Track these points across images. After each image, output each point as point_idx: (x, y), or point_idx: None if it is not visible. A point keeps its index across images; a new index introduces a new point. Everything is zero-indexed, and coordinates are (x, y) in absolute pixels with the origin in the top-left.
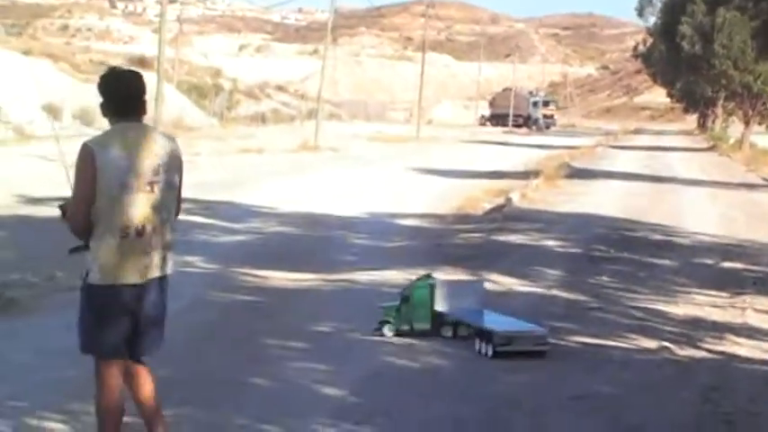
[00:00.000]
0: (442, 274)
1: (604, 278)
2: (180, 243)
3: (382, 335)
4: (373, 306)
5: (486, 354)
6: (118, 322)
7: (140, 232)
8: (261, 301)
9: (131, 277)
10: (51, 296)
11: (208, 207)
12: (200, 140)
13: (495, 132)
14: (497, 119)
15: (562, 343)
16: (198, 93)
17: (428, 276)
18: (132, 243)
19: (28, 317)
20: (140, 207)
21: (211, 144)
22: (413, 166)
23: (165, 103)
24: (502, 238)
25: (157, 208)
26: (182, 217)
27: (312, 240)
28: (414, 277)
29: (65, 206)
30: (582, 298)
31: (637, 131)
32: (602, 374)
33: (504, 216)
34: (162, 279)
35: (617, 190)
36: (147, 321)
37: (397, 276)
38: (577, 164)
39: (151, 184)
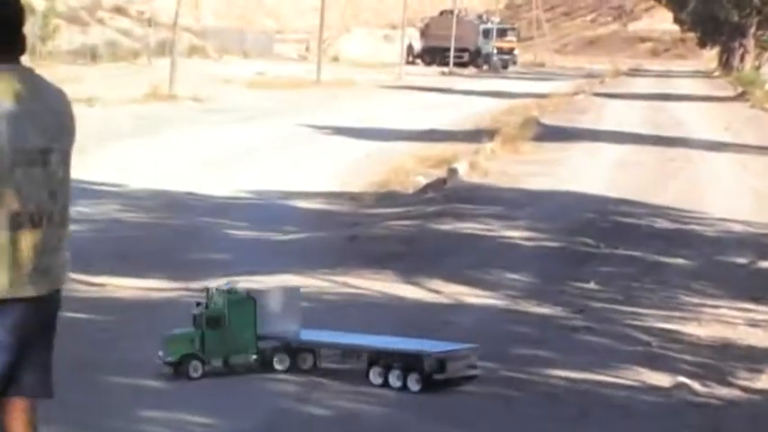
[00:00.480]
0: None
1: (592, 285)
2: None
3: (188, 377)
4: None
5: (407, 387)
6: (9, 352)
7: (36, 223)
8: (94, 319)
9: (25, 288)
10: None
11: None
12: None
13: (430, 74)
14: (432, 54)
15: (536, 379)
16: None
17: (231, 291)
18: (25, 238)
19: None
20: (34, 187)
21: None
22: (313, 124)
23: None
24: (444, 227)
25: (54, 189)
26: None
27: (168, 232)
28: (320, 282)
29: None
30: (561, 314)
31: (633, 72)
32: (599, 426)
33: (447, 195)
34: (57, 293)
35: (607, 157)
36: (35, 350)
37: (295, 283)
38: (549, 120)
39: (45, 153)
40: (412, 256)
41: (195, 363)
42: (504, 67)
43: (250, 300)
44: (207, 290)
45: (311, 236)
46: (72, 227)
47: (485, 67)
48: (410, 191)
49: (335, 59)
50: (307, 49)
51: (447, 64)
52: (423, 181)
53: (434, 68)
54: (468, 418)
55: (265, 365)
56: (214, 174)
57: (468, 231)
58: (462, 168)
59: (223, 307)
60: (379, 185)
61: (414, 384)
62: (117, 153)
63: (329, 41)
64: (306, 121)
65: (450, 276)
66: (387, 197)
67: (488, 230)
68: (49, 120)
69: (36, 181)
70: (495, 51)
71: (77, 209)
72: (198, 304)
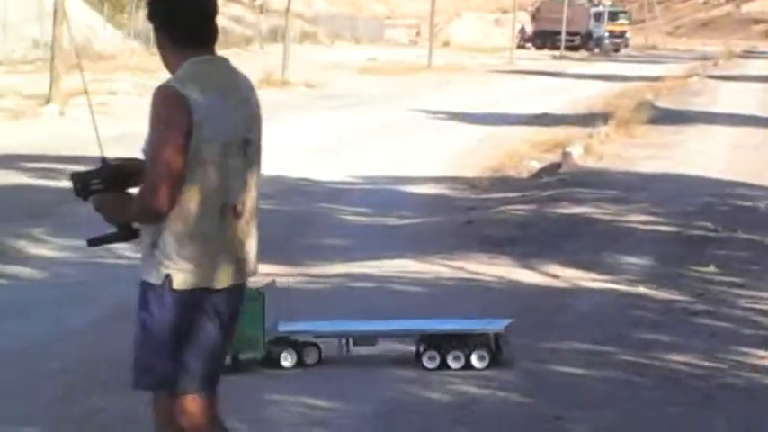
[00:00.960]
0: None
1: (711, 268)
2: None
3: None
4: (380, 312)
5: (470, 366)
6: (211, 341)
7: (238, 213)
8: None
9: (224, 278)
10: None
11: None
12: (117, 73)
13: (541, 58)
14: (543, 38)
15: (657, 363)
16: (113, 5)
17: None
18: (231, 229)
19: None
20: (238, 178)
21: (134, 79)
22: (425, 109)
23: (67, 21)
24: (560, 211)
25: (251, 179)
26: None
27: (284, 218)
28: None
29: (89, 177)
30: (680, 298)
31: (747, 54)
32: (721, 410)
33: (561, 180)
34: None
35: (722, 140)
36: (228, 341)
37: (413, 269)
38: (663, 103)
39: (245, 143)
40: (528, 240)
41: None
42: (616, 50)
43: (259, 296)
44: None
45: (426, 221)
46: None
47: (596, 50)
48: (524, 175)
49: (446, 44)
50: (417, 34)
51: (558, 48)
52: (537, 165)
53: (545, 52)
54: (591, 401)
55: (272, 361)
56: (327, 159)
57: (584, 215)
58: (576, 152)
59: None
60: (493, 170)
61: (479, 362)
62: None
63: (440, 26)
64: (418, 106)
65: (566, 261)
66: (501, 182)
67: (604, 214)
68: (246, 109)
69: (239, 172)
70: (607, 34)
71: None
72: None
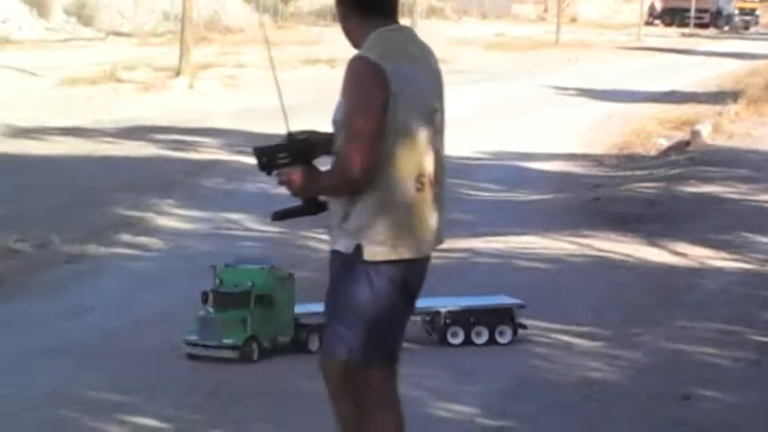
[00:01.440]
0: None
1: None
2: (223, 194)
3: (250, 360)
4: (503, 289)
5: (494, 342)
6: (399, 313)
7: (430, 183)
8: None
9: (415, 250)
10: (43, 271)
11: (260, 142)
12: (244, 47)
13: (670, 35)
14: (672, 15)
15: None
16: None
17: (273, 268)
18: (423, 199)
19: (12, 300)
20: (430, 147)
21: (261, 52)
22: (553, 85)
23: None
24: (688, 189)
25: (442, 148)
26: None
27: None
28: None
29: (276, 151)
30: None
31: None
32: None
33: (690, 157)
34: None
35: None
36: (409, 314)
37: (539, 245)
38: None
39: (434, 113)
40: (656, 218)
41: (254, 345)
42: (746, 27)
43: (291, 277)
44: (213, 267)
45: (553, 197)
46: None
47: (726, 27)
48: (652, 153)
49: (573, 20)
50: (545, 10)
51: (687, 25)
52: (665, 143)
53: (674, 29)
54: (720, 380)
55: (300, 346)
56: (454, 134)
57: (713, 194)
58: (705, 130)
59: (272, 285)
60: (621, 147)
61: (503, 338)
62: None
63: (567, 2)
64: (545, 82)
65: (695, 239)
66: (628, 159)
67: (733, 193)
68: (434, 79)
69: (430, 142)
70: (737, 12)
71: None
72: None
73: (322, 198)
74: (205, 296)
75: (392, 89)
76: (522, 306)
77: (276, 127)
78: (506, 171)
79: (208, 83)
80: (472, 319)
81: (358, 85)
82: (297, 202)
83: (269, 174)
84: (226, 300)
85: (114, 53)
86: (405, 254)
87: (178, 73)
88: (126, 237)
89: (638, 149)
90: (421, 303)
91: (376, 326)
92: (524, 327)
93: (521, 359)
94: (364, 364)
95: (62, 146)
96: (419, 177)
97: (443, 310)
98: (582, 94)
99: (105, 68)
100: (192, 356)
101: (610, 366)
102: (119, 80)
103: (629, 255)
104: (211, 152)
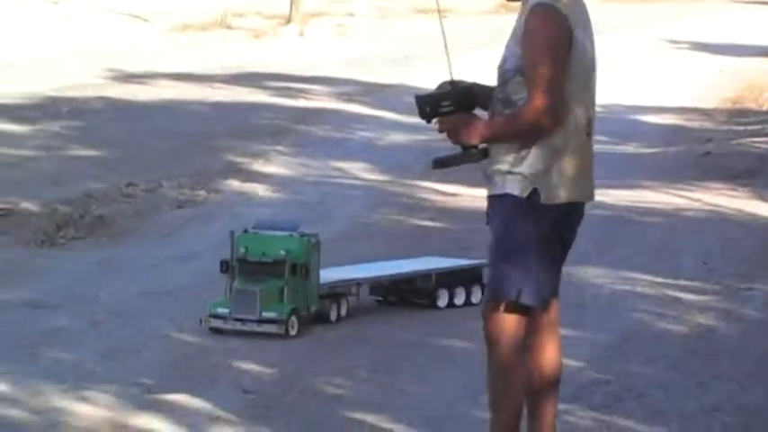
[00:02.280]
0: None
1: None
2: (332, 142)
3: (289, 334)
4: (615, 241)
5: (470, 302)
6: (560, 257)
7: (593, 130)
8: (447, 228)
9: (582, 195)
10: (153, 215)
11: (370, 92)
12: None
13: None
14: None
15: None
16: None
17: (303, 234)
18: (590, 145)
19: (122, 244)
20: (593, 94)
21: (371, 1)
22: (664, 38)
23: None
24: None
25: (595, 98)
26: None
27: None
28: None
29: (439, 99)
30: None
31: None
32: None
33: None
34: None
35: None
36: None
37: (650, 198)
38: None
39: (595, 63)
40: (767, 173)
41: (294, 318)
42: None
43: (318, 244)
44: (231, 233)
45: (664, 150)
46: (423, 136)
47: None
48: (765, 108)
49: None
50: None
51: None
52: None
53: None
54: None
55: (323, 317)
56: None
57: None
58: None
59: (307, 253)
60: (733, 102)
61: (476, 297)
62: (472, 64)
63: None
64: (657, 35)
65: None
66: (740, 114)
67: None
68: (590, 29)
69: (593, 89)
70: None
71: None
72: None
73: (482, 145)
74: (225, 265)
75: (574, 36)
76: (487, 266)
77: (387, 76)
78: (618, 124)
79: (318, 31)
80: (453, 281)
81: (545, 31)
82: (455, 150)
83: (428, 121)
84: (257, 270)
85: (224, 0)
86: (576, 198)
87: (288, 21)
88: (235, 183)
89: (751, 104)
90: (393, 269)
91: (544, 268)
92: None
93: (628, 313)
94: (533, 305)
95: (173, 92)
96: (589, 123)
97: (434, 273)
98: (694, 47)
99: (215, 15)
100: (217, 331)
101: (719, 321)
102: (228, 27)
103: (740, 209)
104: (321, 100)
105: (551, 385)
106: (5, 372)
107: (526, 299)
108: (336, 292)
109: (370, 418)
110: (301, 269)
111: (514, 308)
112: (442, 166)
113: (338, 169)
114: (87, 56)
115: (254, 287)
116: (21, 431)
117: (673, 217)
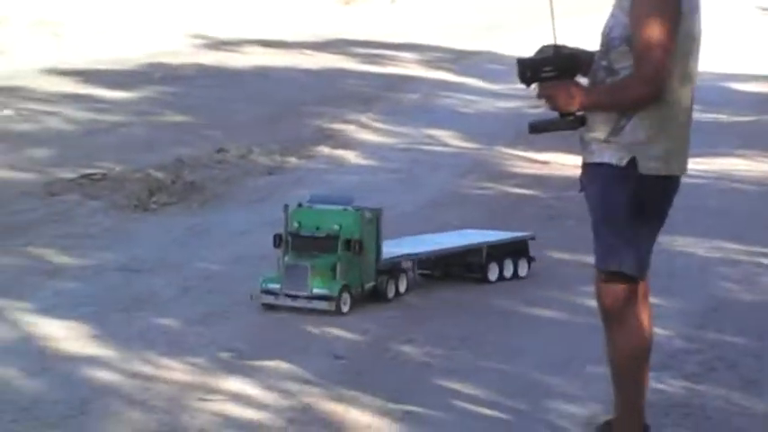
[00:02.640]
0: None
1: None
2: (421, 109)
3: (341, 312)
4: (707, 211)
5: (517, 275)
6: (656, 228)
7: (692, 105)
8: (538, 196)
9: (679, 167)
10: (244, 181)
11: (458, 59)
12: None
13: None
14: None
15: None
16: None
17: (358, 208)
18: (689, 119)
19: (213, 209)
20: (697, 69)
21: None
22: (759, 5)
23: None
24: None
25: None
26: (425, 73)
27: None
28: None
29: (542, 64)
30: None
31: None
32: None
33: None
34: None
35: None
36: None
37: (744, 168)
38: None
39: (700, 33)
40: None
41: (346, 295)
42: None
43: (375, 219)
44: (285, 207)
45: (757, 119)
46: (512, 104)
47: None
48: None
49: None
50: None
51: None
52: None
53: None
54: None
55: (380, 294)
56: None
57: None
58: None
59: (361, 228)
60: None
61: (524, 270)
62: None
63: None
64: (752, 1)
65: None
66: None
67: None
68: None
69: (697, 64)
70: None
71: (513, 85)
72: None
73: (579, 112)
74: (278, 239)
75: (683, 9)
76: (533, 238)
77: (476, 44)
78: (710, 91)
79: None
80: (501, 254)
81: (655, 2)
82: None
83: (527, 86)
84: (309, 245)
85: None
86: (675, 170)
87: None
88: (325, 149)
89: None
90: (438, 243)
91: (643, 238)
92: (534, 259)
93: (719, 282)
94: (634, 275)
95: (263, 58)
96: (691, 95)
97: (484, 247)
98: None
99: None
100: (270, 307)
101: None
102: None
103: None
104: (410, 67)
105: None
106: (100, 335)
107: (627, 269)
108: (395, 268)
109: (459, 386)
110: (355, 245)
111: (619, 278)
112: (537, 131)
113: (427, 136)
114: (179, 22)
115: (305, 262)
116: (113, 394)
117: (765, 185)
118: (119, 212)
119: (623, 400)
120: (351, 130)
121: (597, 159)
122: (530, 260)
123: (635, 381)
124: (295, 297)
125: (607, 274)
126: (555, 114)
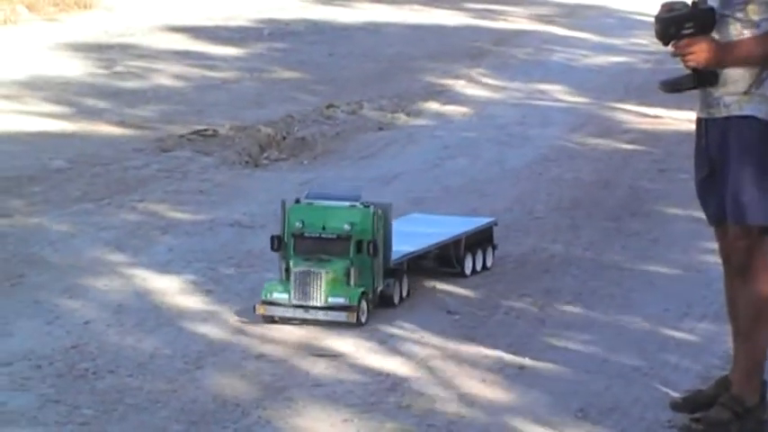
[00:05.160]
0: None
1: None
2: (531, 64)
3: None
4: None
5: (486, 266)
6: None
7: None
8: (649, 151)
9: None
10: (354, 137)
11: (570, 14)
12: None
13: None
14: None
15: None
16: None
17: (366, 204)
18: None
19: (324, 165)
20: None
21: None
22: None
23: None
24: None
25: None
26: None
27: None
28: None
29: (684, 21)
30: None
31: None
32: None
33: None
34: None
35: None
36: None
37: None
38: None
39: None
40: None
41: (363, 303)
42: None
43: (385, 215)
44: (282, 203)
45: None
46: (625, 58)
47: None
48: None
49: None
50: None
51: None
52: None
53: None
54: None
55: (386, 299)
56: None
57: None
58: None
59: (374, 228)
60: None
61: (490, 260)
62: None
63: None
64: None
65: None
66: None
67: None
68: None
69: None
70: None
71: (631, 40)
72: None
73: (717, 70)
74: (277, 242)
75: None
76: (496, 224)
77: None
78: None
79: None
80: (474, 244)
81: None
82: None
83: (666, 44)
84: (315, 247)
85: None
86: None
87: None
88: (435, 105)
89: None
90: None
91: None
92: (497, 247)
93: None
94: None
95: (372, 14)
96: None
97: (464, 237)
98: None
99: None
100: (272, 320)
101: None
102: None
103: None
104: (520, 22)
105: None
106: (212, 290)
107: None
108: (399, 269)
109: (573, 341)
110: (368, 246)
111: (756, 230)
112: (669, 90)
113: (538, 91)
114: None
115: (318, 269)
116: (227, 349)
117: None
118: (230, 168)
119: (749, 355)
120: (460, 85)
121: (736, 113)
122: (493, 248)
123: (765, 333)
124: (307, 308)
125: (743, 228)
126: (684, 72)
